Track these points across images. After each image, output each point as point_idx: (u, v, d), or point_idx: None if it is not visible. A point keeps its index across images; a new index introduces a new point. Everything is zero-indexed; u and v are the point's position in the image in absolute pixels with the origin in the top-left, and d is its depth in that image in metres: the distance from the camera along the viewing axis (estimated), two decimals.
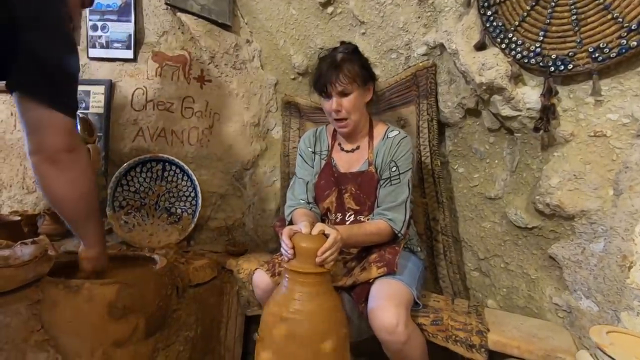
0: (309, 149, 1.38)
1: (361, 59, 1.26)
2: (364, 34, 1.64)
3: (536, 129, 1.18)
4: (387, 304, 0.99)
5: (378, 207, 1.21)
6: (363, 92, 1.24)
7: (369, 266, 1.11)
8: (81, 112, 1.70)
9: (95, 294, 1.01)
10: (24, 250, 1.11)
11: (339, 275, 1.18)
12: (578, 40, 1.07)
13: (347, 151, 1.33)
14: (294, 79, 1.90)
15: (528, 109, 1.20)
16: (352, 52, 1.25)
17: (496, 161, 1.42)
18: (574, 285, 1.14)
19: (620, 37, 1.01)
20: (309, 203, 1.31)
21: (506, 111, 1.24)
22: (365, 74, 1.23)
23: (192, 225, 1.72)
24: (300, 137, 1.80)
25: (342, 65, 1.19)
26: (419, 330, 1.07)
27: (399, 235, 1.17)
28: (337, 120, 1.24)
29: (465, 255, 1.57)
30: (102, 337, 1.02)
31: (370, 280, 1.09)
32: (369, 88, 1.27)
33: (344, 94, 1.20)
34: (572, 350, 1.00)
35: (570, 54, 1.09)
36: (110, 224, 1.69)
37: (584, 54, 1.07)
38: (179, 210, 1.76)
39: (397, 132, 1.26)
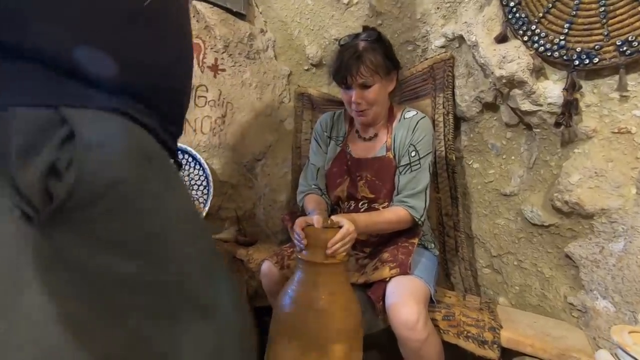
0: (325, 133, 1.35)
1: (385, 47, 1.18)
2: (380, 25, 1.61)
3: (557, 125, 1.15)
4: (408, 300, 0.97)
5: (398, 194, 1.17)
6: (386, 83, 1.19)
7: (382, 266, 1.08)
8: None
9: None
10: None
11: (351, 271, 1.17)
12: (605, 33, 1.04)
13: (365, 139, 1.29)
14: (307, 70, 1.89)
15: (549, 104, 1.17)
16: (375, 40, 1.16)
17: (513, 157, 1.40)
18: (591, 285, 1.12)
19: None
20: (320, 189, 1.30)
21: (526, 106, 1.21)
22: (388, 64, 1.17)
23: (204, 214, 1.73)
24: (312, 129, 1.79)
25: (364, 56, 1.12)
26: (435, 330, 1.05)
27: (420, 222, 1.14)
28: (357, 111, 1.19)
29: (478, 252, 1.55)
30: None
31: (387, 279, 1.06)
32: (392, 78, 1.21)
33: (365, 86, 1.15)
34: (587, 350, 0.98)
35: (596, 47, 1.05)
36: None
37: (610, 48, 1.03)
38: None
39: (415, 113, 1.22)
